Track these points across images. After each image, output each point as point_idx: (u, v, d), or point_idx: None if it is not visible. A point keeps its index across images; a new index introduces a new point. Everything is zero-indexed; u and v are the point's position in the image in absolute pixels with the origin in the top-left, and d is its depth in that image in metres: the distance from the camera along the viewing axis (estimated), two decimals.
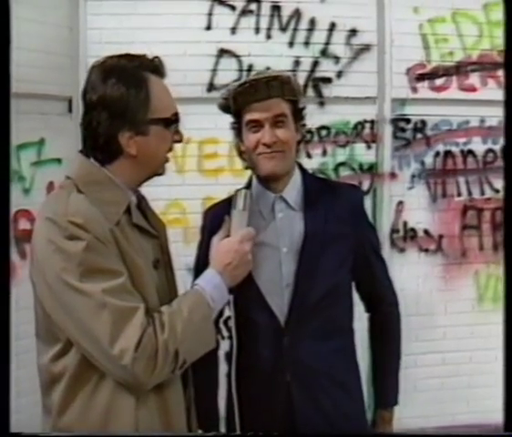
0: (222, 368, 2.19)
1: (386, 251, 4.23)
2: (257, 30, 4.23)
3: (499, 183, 4.38)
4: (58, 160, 3.88)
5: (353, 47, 4.30)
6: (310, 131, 4.21)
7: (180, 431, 1.73)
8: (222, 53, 4.18)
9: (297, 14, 4.25)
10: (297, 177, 2.05)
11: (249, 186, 2.06)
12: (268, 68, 3.88)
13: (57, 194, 1.64)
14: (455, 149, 4.46)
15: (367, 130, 4.37)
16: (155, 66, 1.70)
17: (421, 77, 4.37)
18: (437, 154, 4.44)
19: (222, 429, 2.17)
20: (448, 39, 4.38)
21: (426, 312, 4.38)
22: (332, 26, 4.28)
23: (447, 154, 4.45)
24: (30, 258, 1.60)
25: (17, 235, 3.66)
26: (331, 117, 4.31)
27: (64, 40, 3.97)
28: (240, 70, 4.18)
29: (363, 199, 2.14)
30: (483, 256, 4.50)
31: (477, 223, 4.50)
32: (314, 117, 4.18)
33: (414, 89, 4.37)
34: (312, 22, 4.26)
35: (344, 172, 4.36)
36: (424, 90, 4.39)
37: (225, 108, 2.01)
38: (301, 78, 4.17)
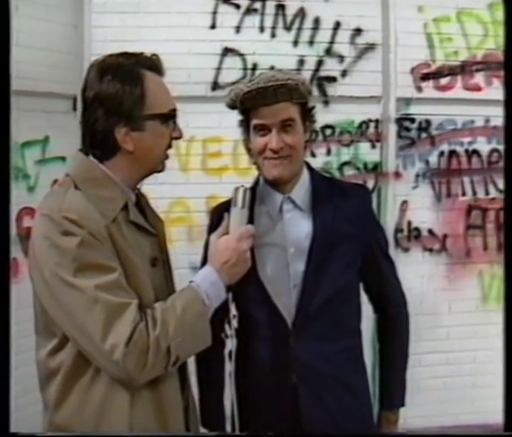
0: (228, 367, 2.19)
1: (390, 251, 4.19)
2: (261, 29, 4.23)
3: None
4: (63, 158, 3.88)
5: (358, 46, 4.30)
6: (314, 130, 4.20)
7: (177, 429, 1.72)
8: (227, 51, 4.18)
9: (302, 12, 4.25)
10: (305, 177, 2.04)
11: (256, 184, 2.05)
12: (272, 68, 3.89)
13: (55, 191, 1.65)
14: (459, 149, 4.45)
15: (372, 129, 4.36)
16: (152, 64, 1.70)
17: (426, 77, 4.36)
18: (442, 153, 4.43)
19: (228, 428, 2.17)
20: (453, 38, 4.37)
21: (430, 312, 4.36)
22: (337, 25, 4.27)
23: (452, 153, 4.44)
24: (28, 253, 1.62)
25: (22, 233, 3.65)
26: (335, 116, 4.31)
27: (68, 38, 3.97)
28: (245, 69, 4.18)
29: (372, 199, 2.14)
30: (487, 256, 4.49)
31: (482, 223, 4.49)
32: (319, 116, 4.11)
33: (419, 88, 4.37)
34: (317, 21, 4.26)
35: (349, 171, 4.36)
36: (428, 89, 4.38)
37: (233, 107, 1.99)
38: (305, 77, 4.16)
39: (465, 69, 4.39)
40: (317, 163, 4.17)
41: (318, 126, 4.19)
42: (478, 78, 4.41)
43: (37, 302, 1.63)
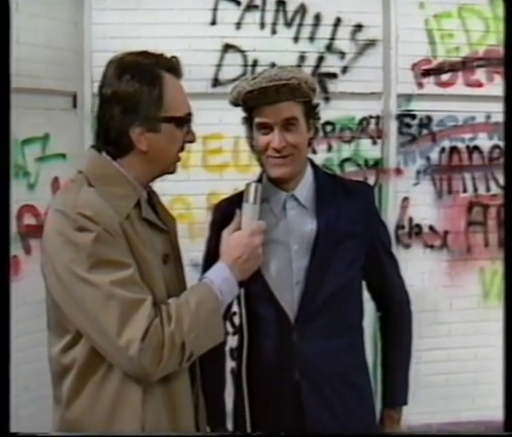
0: (228, 364, 2.19)
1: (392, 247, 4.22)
2: (262, 25, 4.22)
3: None
4: (63, 155, 3.88)
5: (359, 43, 4.29)
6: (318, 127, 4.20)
7: (187, 426, 1.73)
8: (227, 48, 4.17)
9: (302, 9, 4.24)
10: (309, 174, 2.03)
11: (260, 180, 2.04)
12: (273, 64, 3.89)
13: (68, 187, 1.65)
14: (460, 145, 4.44)
15: (372, 126, 4.35)
16: (171, 65, 1.71)
17: (427, 73, 4.35)
18: (443, 150, 4.43)
19: (229, 426, 2.17)
20: (454, 34, 4.36)
21: (431, 308, 4.36)
22: (338, 22, 4.26)
23: (453, 150, 4.43)
24: (41, 249, 1.63)
25: (22, 230, 3.66)
26: (336, 113, 4.30)
27: (68, 35, 3.97)
28: (245, 65, 4.17)
29: (375, 197, 2.13)
30: (488, 252, 4.49)
31: (483, 219, 4.48)
32: (319, 113, 4.17)
33: (420, 85, 4.36)
34: (318, 17, 4.25)
35: (349, 168, 4.35)
36: (429, 86, 4.37)
37: (236, 105, 1.98)
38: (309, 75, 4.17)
39: (466, 65, 4.38)
40: (318, 159, 4.13)
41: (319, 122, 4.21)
42: (479, 74, 4.40)
43: (50, 298, 1.64)
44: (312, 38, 4.26)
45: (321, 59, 4.27)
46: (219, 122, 3.99)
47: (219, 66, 4.17)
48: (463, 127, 4.43)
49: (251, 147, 2.01)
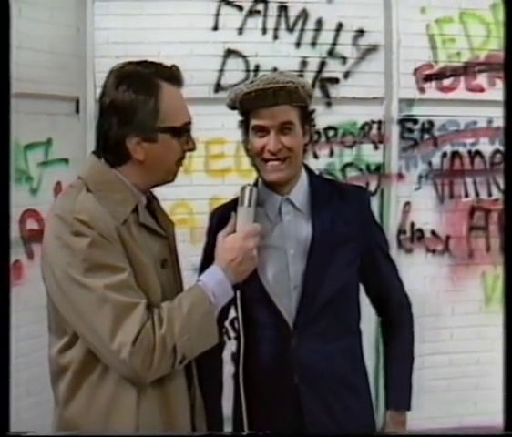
0: (229, 369, 2.19)
1: (393, 252, 4.21)
2: (264, 30, 4.23)
3: None
4: (65, 160, 3.89)
5: (361, 48, 4.29)
6: (317, 132, 4.21)
7: (183, 428, 1.75)
8: (229, 53, 4.18)
9: (304, 14, 4.25)
10: (304, 179, 2.04)
11: (256, 184, 2.05)
12: (275, 69, 3.90)
13: (67, 192, 1.68)
14: (462, 150, 4.44)
15: (374, 131, 4.36)
16: (171, 74, 1.72)
17: (428, 78, 4.35)
18: (445, 155, 4.43)
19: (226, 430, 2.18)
20: (456, 39, 4.36)
21: (433, 313, 4.36)
22: (340, 27, 4.27)
23: (455, 155, 4.43)
24: (41, 253, 1.66)
25: (24, 235, 3.66)
26: (338, 118, 4.30)
27: (71, 40, 3.98)
28: (247, 70, 4.18)
29: (371, 201, 2.13)
30: (490, 257, 4.48)
31: (485, 224, 4.48)
32: (321, 118, 4.17)
33: (422, 90, 4.36)
34: (319, 22, 4.26)
35: (351, 173, 4.35)
36: (431, 91, 4.37)
37: (233, 108, 2.00)
38: (308, 79, 4.16)
39: (467, 70, 4.38)
40: (320, 164, 4.18)
41: (321, 127, 4.22)
42: (481, 79, 4.40)
43: (50, 301, 1.66)
44: (313, 43, 4.26)
45: (323, 64, 4.27)
46: (221, 127, 3.99)
47: (221, 71, 4.17)
48: (465, 132, 4.43)
49: (247, 152, 2.03)
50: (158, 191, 1.87)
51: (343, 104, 4.31)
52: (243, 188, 1.85)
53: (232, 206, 1.91)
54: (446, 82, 4.38)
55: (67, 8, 3.98)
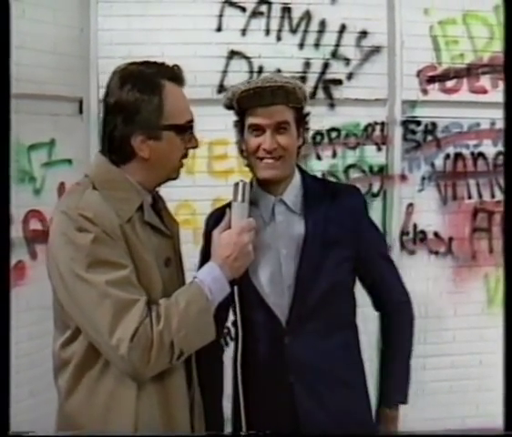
0: (229, 369, 2.19)
1: (396, 253, 4.23)
2: (267, 32, 4.23)
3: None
4: (69, 161, 3.89)
5: (364, 49, 4.29)
6: (320, 133, 4.22)
7: (182, 425, 1.77)
8: (233, 54, 4.18)
9: (307, 15, 4.25)
10: (297, 179, 2.07)
11: (251, 185, 2.05)
12: (278, 70, 3.91)
13: (74, 190, 1.72)
14: (465, 152, 4.44)
15: (377, 132, 4.36)
16: (173, 74, 1.75)
17: (431, 79, 4.35)
18: (448, 156, 4.43)
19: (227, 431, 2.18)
20: (459, 41, 4.36)
21: (436, 315, 4.36)
22: (343, 28, 4.27)
23: (458, 156, 4.43)
24: (47, 249, 1.69)
25: (28, 235, 3.67)
26: (341, 119, 4.31)
27: (74, 41, 3.98)
28: (251, 72, 4.18)
29: (364, 200, 2.15)
30: (493, 259, 4.48)
31: (487, 226, 4.48)
32: (324, 119, 4.19)
33: (425, 91, 4.36)
34: (323, 23, 4.26)
35: (354, 174, 4.35)
36: (434, 92, 4.37)
37: (229, 107, 2.03)
38: (311, 80, 4.19)
39: (470, 72, 4.38)
40: (323, 166, 4.18)
41: (324, 128, 4.22)
42: (484, 81, 4.40)
43: (56, 297, 1.69)
44: (317, 45, 4.27)
45: (326, 66, 4.27)
46: (224, 128, 3.94)
47: (224, 72, 4.18)
48: (467, 134, 4.43)
49: (240, 152, 2.07)
50: (161, 192, 1.88)
51: (347, 105, 4.31)
52: (236, 184, 1.87)
53: (227, 210, 1.93)
54: (450, 83, 4.38)
55: (71, 9, 3.99)
